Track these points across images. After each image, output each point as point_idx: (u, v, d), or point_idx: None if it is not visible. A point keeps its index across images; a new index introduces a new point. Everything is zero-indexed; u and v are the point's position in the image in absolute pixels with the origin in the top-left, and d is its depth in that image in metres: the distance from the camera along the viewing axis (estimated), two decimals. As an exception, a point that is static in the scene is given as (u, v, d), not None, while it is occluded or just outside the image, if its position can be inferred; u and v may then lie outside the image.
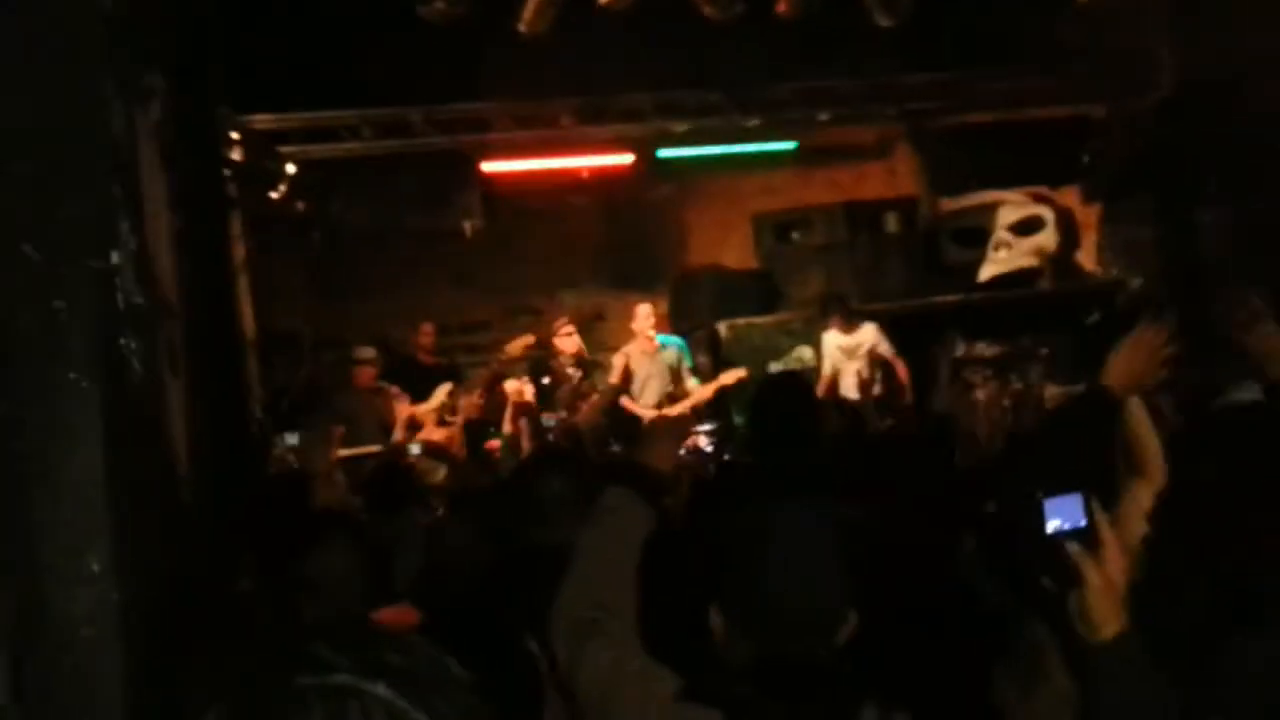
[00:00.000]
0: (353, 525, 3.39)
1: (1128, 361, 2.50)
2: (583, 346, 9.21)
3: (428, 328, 9.54)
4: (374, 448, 8.41)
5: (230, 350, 7.07)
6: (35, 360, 2.09)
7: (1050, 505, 1.78)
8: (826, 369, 9.30)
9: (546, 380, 9.00)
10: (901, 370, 9.05)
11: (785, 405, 3.70)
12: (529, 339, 9.10)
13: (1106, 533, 1.78)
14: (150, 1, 3.53)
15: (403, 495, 5.49)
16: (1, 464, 1.91)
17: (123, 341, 2.26)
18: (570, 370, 9.01)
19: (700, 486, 3.83)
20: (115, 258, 2.21)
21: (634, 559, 2.85)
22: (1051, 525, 1.77)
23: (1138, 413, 2.52)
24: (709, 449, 5.88)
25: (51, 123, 2.14)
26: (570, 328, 9.10)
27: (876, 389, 9.01)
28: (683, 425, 5.50)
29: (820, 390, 9.27)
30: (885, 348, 9.07)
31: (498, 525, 3.94)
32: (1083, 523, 1.77)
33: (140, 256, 2.37)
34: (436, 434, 7.47)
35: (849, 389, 9.14)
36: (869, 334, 9.12)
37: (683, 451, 4.74)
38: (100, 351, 2.17)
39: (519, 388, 8.17)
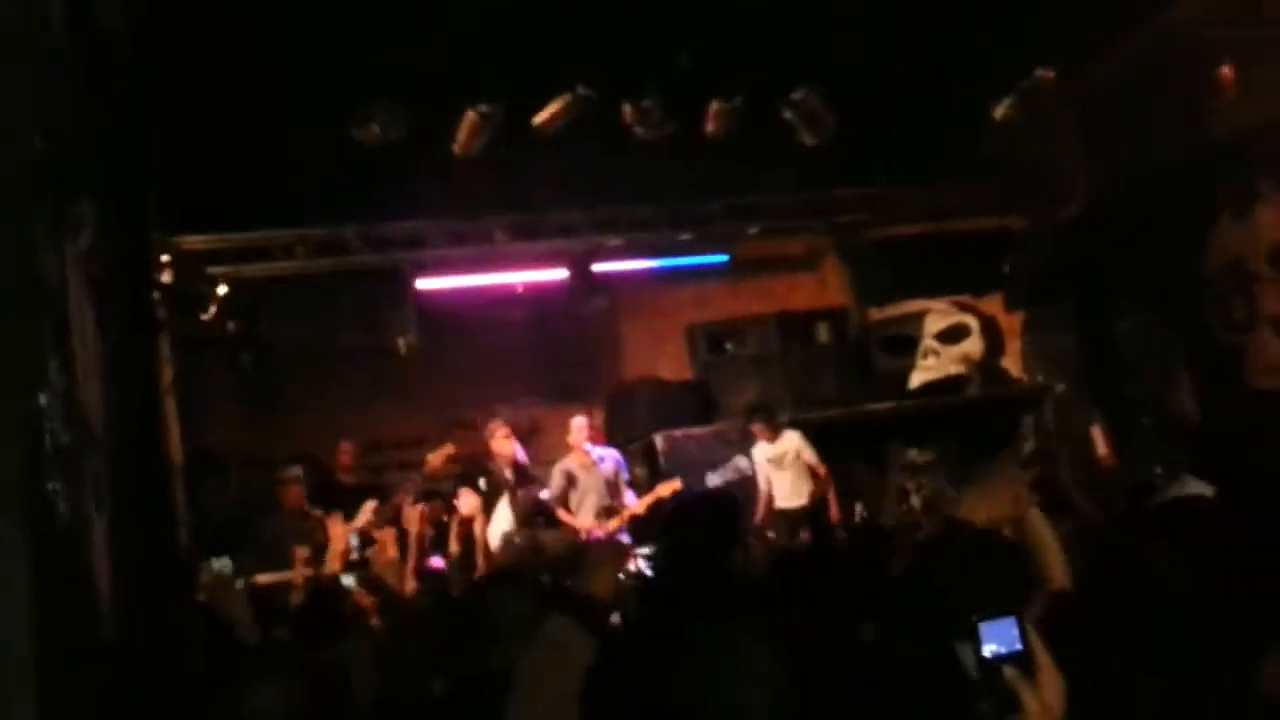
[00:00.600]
0: (287, 655, 3.30)
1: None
2: (516, 451, 9.17)
3: (346, 446, 9.47)
4: (305, 572, 8.24)
5: (156, 477, 6.89)
6: (-41, 508, 2.02)
7: (985, 629, 1.78)
8: (762, 483, 9.33)
9: (484, 483, 8.94)
10: (824, 478, 9.10)
11: (694, 530, 3.72)
12: (449, 449, 9.03)
13: (1043, 656, 1.78)
14: (81, 133, 3.53)
15: (337, 621, 5.39)
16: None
17: (50, 485, 2.20)
18: (507, 474, 8.95)
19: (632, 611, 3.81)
20: (43, 399, 2.17)
21: (574, 687, 2.81)
22: (987, 650, 1.77)
23: (1036, 524, 2.57)
24: (649, 573, 5.82)
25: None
26: (506, 430, 9.07)
27: (804, 501, 9.07)
28: (622, 552, 5.49)
29: (760, 504, 9.29)
30: (809, 455, 9.15)
31: (451, 647, 3.88)
32: (1018, 646, 1.77)
33: (69, 394, 2.32)
34: (389, 552, 7.40)
35: (783, 499, 9.17)
36: (793, 441, 9.20)
37: (622, 576, 4.71)
38: (27, 497, 2.11)
39: (472, 502, 8.21)
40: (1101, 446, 8.83)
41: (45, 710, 1.98)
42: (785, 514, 9.12)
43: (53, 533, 2.23)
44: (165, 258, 7.85)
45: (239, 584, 7.59)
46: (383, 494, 8.83)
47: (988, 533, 2.43)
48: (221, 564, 8.46)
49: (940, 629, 1.86)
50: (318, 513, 8.40)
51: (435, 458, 9.06)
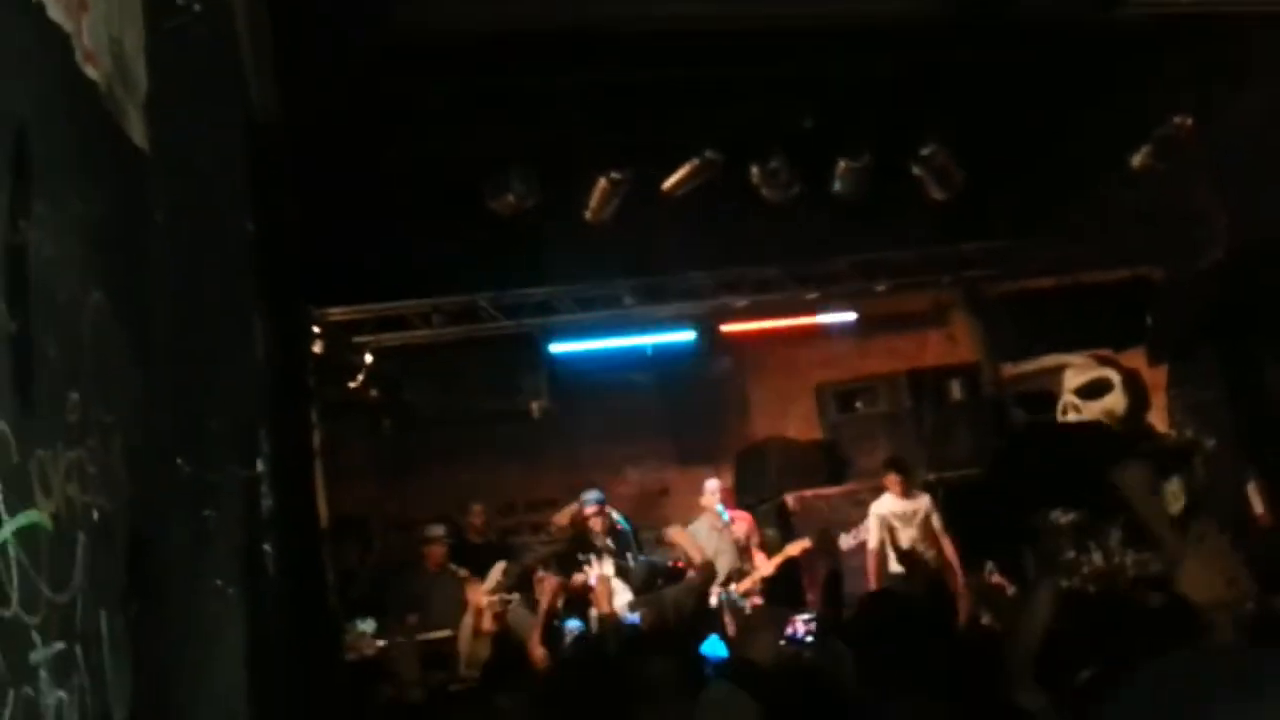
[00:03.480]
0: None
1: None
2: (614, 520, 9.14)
3: (478, 509, 9.58)
4: (446, 632, 8.37)
5: (309, 539, 7.11)
6: (185, 567, 2.15)
7: None
8: (873, 541, 9.12)
9: (581, 556, 8.95)
10: (949, 548, 8.88)
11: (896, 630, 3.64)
12: (573, 508, 9.09)
13: None
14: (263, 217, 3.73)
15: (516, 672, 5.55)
16: (149, 670, 1.94)
17: (264, 547, 2.32)
18: (608, 542, 8.96)
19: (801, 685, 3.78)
20: (259, 466, 2.29)
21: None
22: None
23: None
24: (809, 638, 5.75)
25: (203, 347, 2.26)
26: (596, 507, 9.09)
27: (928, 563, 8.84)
28: (782, 618, 5.47)
29: (870, 560, 9.07)
30: (937, 521, 8.97)
31: (602, 706, 3.91)
32: None
33: (275, 460, 2.45)
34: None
35: (899, 559, 8.94)
36: (925, 502, 9.04)
37: (782, 641, 4.68)
38: (244, 559, 2.22)
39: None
40: (1259, 504, 8.45)
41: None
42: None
43: (264, 595, 2.34)
44: (316, 329, 8.16)
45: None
46: (512, 555, 8.93)
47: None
48: (366, 625, 8.66)
49: None
50: (462, 572, 8.54)
51: (561, 517, 9.14)
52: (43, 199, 1.51)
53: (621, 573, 8.69)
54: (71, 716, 1.49)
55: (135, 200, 2.10)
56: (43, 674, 1.41)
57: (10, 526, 1.33)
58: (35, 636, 1.40)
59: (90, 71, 1.80)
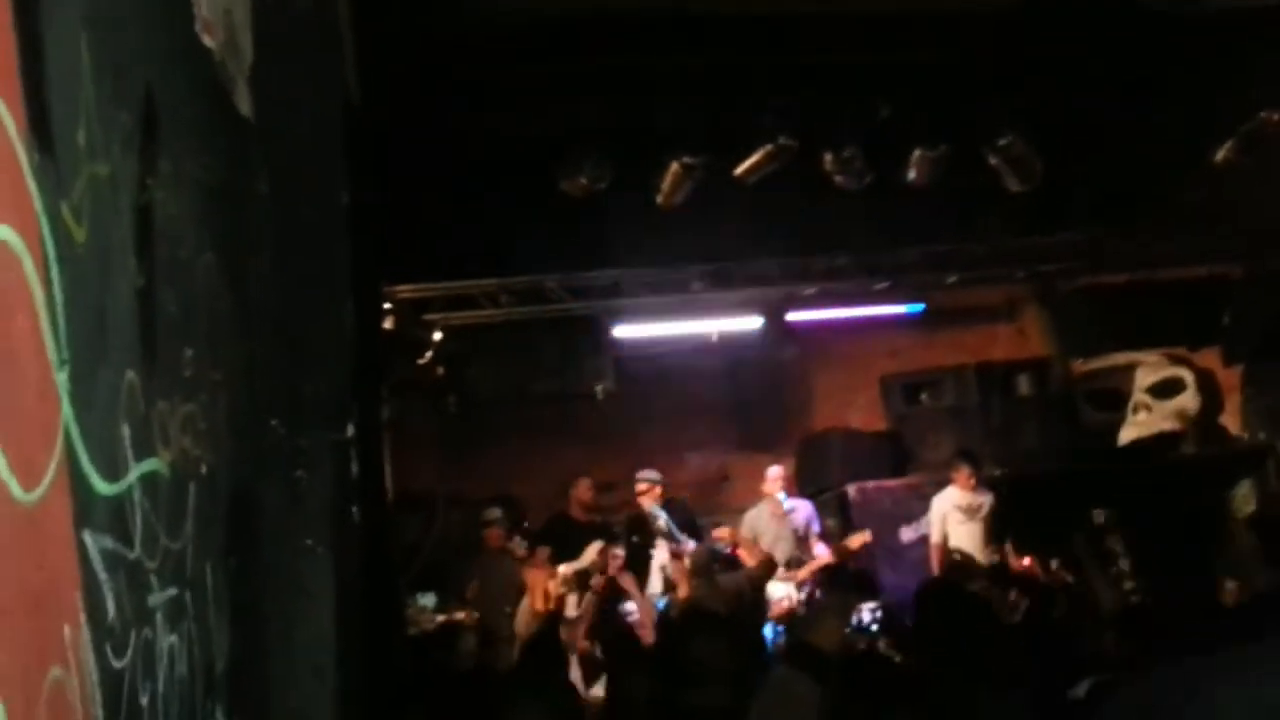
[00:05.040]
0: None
1: None
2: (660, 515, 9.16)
3: (586, 483, 9.38)
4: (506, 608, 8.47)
5: (377, 513, 7.24)
6: (278, 526, 2.21)
7: None
8: (936, 535, 9.06)
9: (636, 539, 8.99)
10: (1009, 546, 8.82)
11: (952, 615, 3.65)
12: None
13: None
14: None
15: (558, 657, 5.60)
16: (244, 623, 2.01)
17: (352, 509, 2.37)
18: (660, 525, 9.00)
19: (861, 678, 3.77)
20: (350, 430, 2.35)
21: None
22: None
23: None
24: (873, 626, 5.74)
25: (298, 315, 2.32)
26: (649, 485, 9.11)
27: (982, 559, 8.79)
28: (848, 605, 5.48)
29: (933, 555, 9.02)
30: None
31: (653, 686, 3.94)
32: None
33: (363, 427, 2.50)
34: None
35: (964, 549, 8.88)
36: (989, 500, 8.97)
37: (848, 629, 4.69)
38: (333, 520, 2.28)
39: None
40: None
41: (346, 691, 2.15)
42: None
43: (351, 556, 2.40)
44: (387, 305, 8.27)
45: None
46: (609, 535, 8.98)
47: None
48: (426, 599, 8.81)
49: None
50: (520, 552, 8.62)
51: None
52: (167, 159, 1.57)
53: (676, 557, 8.74)
54: (181, 661, 1.55)
55: (242, 168, 2.16)
56: (159, 617, 1.47)
57: (136, 472, 1.39)
58: (153, 580, 1.46)
59: (207, 40, 1.86)
